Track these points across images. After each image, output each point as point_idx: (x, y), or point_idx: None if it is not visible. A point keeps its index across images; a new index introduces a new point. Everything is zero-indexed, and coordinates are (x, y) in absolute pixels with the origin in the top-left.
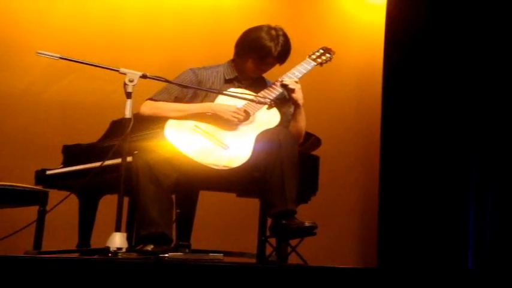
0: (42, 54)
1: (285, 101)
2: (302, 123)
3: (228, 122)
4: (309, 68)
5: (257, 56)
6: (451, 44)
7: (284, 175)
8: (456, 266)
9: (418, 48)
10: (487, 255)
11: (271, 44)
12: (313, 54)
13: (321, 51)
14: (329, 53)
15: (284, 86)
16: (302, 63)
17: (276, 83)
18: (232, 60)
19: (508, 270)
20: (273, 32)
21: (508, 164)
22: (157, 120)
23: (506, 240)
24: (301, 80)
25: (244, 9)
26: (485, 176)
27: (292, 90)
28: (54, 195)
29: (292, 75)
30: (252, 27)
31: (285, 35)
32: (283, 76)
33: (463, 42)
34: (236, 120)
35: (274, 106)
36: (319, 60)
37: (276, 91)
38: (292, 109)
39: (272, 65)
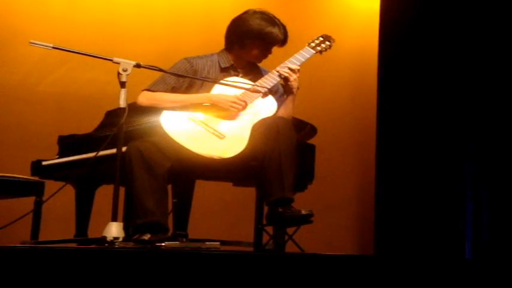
0: (35, 44)
1: (278, 90)
2: (292, 110)
3: (226, 111)
4: (308, 56)
5: (263, 43)
6: (447, 31)
7: (282, 163)
8: (453, 255)
9: (413, 35)
10: (485, 244)
11: (275, 30)
12: (313, 42)
13: (321, 38)
14: (329, 41)
15: (279, 75)
16: (301, 51)
17: (273, 71)
18: (226, 49)
19: (505, 259)
20: (267, 17)
21: (506, 152)
22: (154, 110)
23: (504, 229)
24: None
25: None
26: (483, 165)
27: (287, 79)
28: (51, 185)
29: (291, 63)
30: (240, 15)
31: (275, 17)
32: (282, 65)
33: (459, 30)
34: (235, 110)
35: (270, 94)
36: (318, 48)
37: (273, 80)
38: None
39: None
